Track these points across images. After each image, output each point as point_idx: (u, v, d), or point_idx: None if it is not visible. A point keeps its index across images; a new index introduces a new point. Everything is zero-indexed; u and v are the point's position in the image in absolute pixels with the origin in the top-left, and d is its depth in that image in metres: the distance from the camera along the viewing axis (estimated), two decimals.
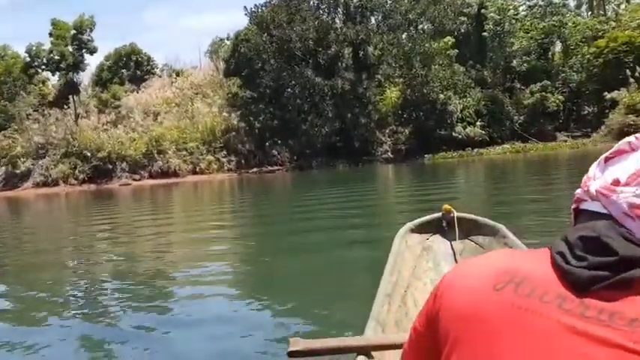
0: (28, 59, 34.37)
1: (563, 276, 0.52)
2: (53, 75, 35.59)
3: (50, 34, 33.54)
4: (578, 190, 0.60)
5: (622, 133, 24.01)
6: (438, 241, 2.19)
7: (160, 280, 4.65)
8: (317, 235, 6.52)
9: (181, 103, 32.97)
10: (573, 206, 0.61)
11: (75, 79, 34.98)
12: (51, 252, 6.97)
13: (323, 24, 29.59)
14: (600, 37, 28.94)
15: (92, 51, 34.41)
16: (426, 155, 27.69)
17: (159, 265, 5.40)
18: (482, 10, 31.43)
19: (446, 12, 29.60)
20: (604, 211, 0.55)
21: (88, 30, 33.84)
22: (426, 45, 29.16)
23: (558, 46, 32.25)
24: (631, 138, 0.58)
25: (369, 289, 1.83)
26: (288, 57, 29.23)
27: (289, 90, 29.64)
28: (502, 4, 31.58)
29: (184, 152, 29.33)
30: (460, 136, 28.14)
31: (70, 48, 33.55)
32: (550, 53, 32.07)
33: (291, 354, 1.20)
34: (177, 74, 37.57)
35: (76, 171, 28.70)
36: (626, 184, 0.54)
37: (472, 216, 2.23)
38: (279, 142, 29.53)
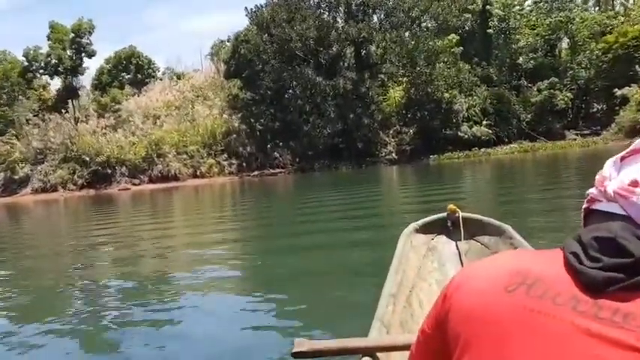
0: (26, 63, 34.63)
1: (576, 277, 0.52)
2: (51, 79, 35.91)
3: (48, 38, 33.80)
4: (592, 190, 0.60)
5: (634, 130, 23.92)
6: (443, 242, 2.19)
7: (160, 283, 4.66)
8: (320, 237, 6.52)
9: (182, 106, 33.13)
10: (585, 206, 0.61)
11: (74, 83, 35.23)
12: (49, 258, 7.00)
13: (324, 23, 29.61)
14: (609, 33, 28.84)
15: (91, 54, 34.66)
16: (431, 156, 27.63)
17: (159, 269, 5.41)
18: (487, 7, 31.38)
19: (450, 9, 29.53)
20: (622, 212, 0.55)
21: (87, 33, 34.08)
22: (430, 43, 29.14)
23: (565, 43, 32.16)
24: None
25: (373, 289, 1.83)
26: (289, 57, 29.28)
27: (290, 91, 29.69)
28: None
29: (185, 156, 29.43)
30: (466, 136, 28.05)
31: (68, 52, 33.78)
32: (557, 50, 31.99)
33: (295, 355, 1.21)
34: (179, 77, 37.79)
35: (75, 176, 28.86)
36: None
37: (477, 216, 2.23)
38: (281, 144, 29.58)
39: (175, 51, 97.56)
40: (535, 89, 29.75)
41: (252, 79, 29.94)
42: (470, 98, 29.10)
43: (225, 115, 31.19)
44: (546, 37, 30.67)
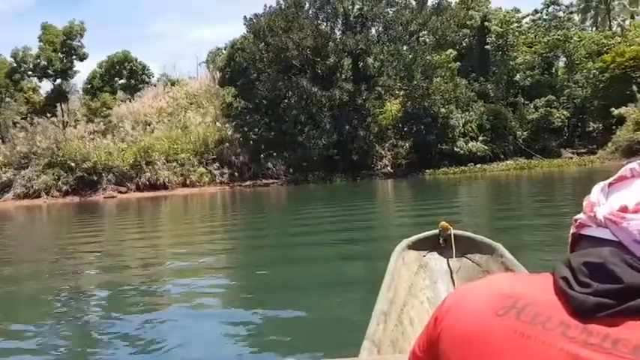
0: (14, 64, 34.47)
1: (566, 302, 0.53)
2: (40, 81, 35.73)
3: (40, 39, 33.75)
4: (581, 215, 0.61)
5: (630, 149, 24.32)
6: (434, 259, 2.21)
7: (142, 295, 4.60)
8: (312, 250, 6.51)
9: (174, 112, 33.10)
10: (573, 231, 0.62)
11: (64, 87, 35.10)
12: (24, 266, 6.90)
13: (321, 33, 29.94)
14: (605, 52, 29.49)
15: (82, 57, 34.60)
16: (426, 170, 27.84)
17: (141, 281, 5.34)
18: (485, 23, 32.01)
19: (448, 23, 30.02)
20: (612, 238, 0.56)
21: (78, 36, 34.08)
22: (428, 57, 29.56)
23: (562, 61, 32.81)
24: (633, 165, 0.61)
25: (363, 305, 1.84)
26: (285, 66, 29.51)
27: (286, 100, 29.84)
28: (505, 16, 32.18)
29: (174, 164, 29.30)
30: (462, 152, 28.35)
31: (58, 54, 33.71)
32: (554, 68, 32.60)
33: None
34: (173, 84, 37.85)
35: (60, 182, 28.58)
36: (635, 212, 0.56)
37: (469, 234, 2.26)
38: (275, 154, 29.62)
39: (173, 59, 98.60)
40: (532, 106, 30.23)
41: (247, 87, 30.08)
42: (466, 114, 29.48)
43: (218, 124, 31.22)
44: (544, 54, 31.29)
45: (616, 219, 0.56)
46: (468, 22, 32.16)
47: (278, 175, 29.47)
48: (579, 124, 31.38)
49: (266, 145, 29.55)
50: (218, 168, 29.68)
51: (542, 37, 31.32)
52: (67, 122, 32.94)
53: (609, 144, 27.20)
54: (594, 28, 36.34)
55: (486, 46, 31.65)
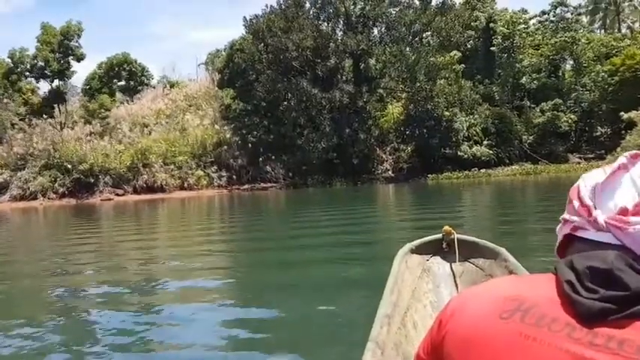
0: (11, 65, 34.60)
1: (571, 305, 0.55)
2: (37, 82, 35.88)
3: (37, 40, 33.89)
4: (575, 218, 0.62)
5: None
6: (437, 263, 2.25)
7: (138, 295, 4.61)
8: (311, 253, 6.52)
9: (172, 114, 33.20)
10: (566, 232, 0.63)
11: (62, 88, 35.22)
12: (19, 267, 6.94)
13: (322, 33, 29.93)
14: (614, 55, 29.50)
15: (80, 58, 34.74)
16: (429, 175, 27.75)
17: (139, 282, 5.35)
18: (491, 24, 32.01)
19: (453, 24, 29.95)
20: (615, 242, 0.57)
21: (76, 36, 34.22)
22: (432, 59, 29.52)
23: (569, 64, 32.82)
24: (622, 159, 0.62)
25: (365, 309, 1.87)
26: (285, 68, 29.53)
27: (285, 103, 29.85)
28: (512, 17, 32.19)
29: (172, 166, 29.36)
30: (466, 156, 28.28)
31: (55, 54, 33.84)
32: (561, 71, 32.61)
33: None
34: (172, 86, 37.98)
35: (56, 184, 28.63)
36: (635, 214, 0.57)
37: (472, 238, 2.29)
38: (273, 157, 29.65)
39: (174, 61, 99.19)
40: (538, 110, 30.18)
41: (245, 89, 30.15)
42: (471, 117, 29.42)
43: (216, 126, 31.29)
44: (550, 57, 31.29)
45: (620, 224, 0.57)
46: (472, 24, 32.13)
47: (277, 178, 29.50)
48: (587, 128, 31.35)
49: (265, 148, 29.58)
50: (216, 171, 29.73)
51: (550, 39, 31.33)
52: (65, 123, 33.03)
53: (618, 149, 27.07)
54: (603, 30, 36.42)
55: (492, 48, 31.64)
